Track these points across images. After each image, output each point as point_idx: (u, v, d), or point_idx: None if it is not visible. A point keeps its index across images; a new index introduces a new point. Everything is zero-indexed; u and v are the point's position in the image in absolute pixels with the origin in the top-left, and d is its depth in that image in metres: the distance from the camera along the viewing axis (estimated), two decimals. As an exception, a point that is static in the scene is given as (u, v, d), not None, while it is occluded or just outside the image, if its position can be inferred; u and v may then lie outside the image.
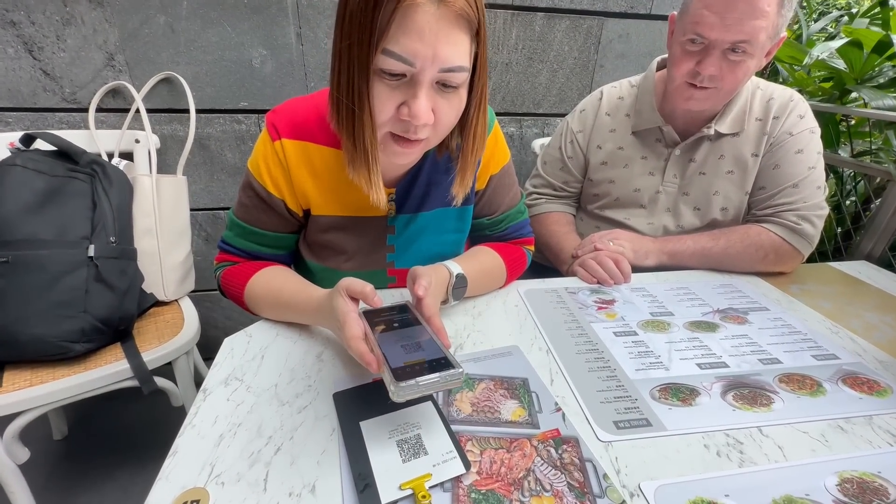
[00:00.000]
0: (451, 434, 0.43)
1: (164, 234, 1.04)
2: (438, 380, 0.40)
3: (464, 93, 0.50)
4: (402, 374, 0.40)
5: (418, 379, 0.39)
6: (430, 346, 0.44)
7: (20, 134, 0.91)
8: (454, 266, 0.61)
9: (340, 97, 0.49)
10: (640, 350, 0.58)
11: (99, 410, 1.31)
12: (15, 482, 0.88)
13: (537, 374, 0.53)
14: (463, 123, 0.54)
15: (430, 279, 0.53)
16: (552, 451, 0.43)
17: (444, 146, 0.60)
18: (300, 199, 0.62)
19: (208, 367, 1.23)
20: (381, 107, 0.47)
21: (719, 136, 0.82)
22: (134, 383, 0.90)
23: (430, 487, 0.38)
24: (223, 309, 1.44)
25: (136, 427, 1.26)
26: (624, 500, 0.38)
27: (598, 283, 0.76)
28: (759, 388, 0.52)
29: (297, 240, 0.70)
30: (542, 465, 0.41)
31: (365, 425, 0.45)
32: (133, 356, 0.90)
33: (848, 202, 1.27)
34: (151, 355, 0.92)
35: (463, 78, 0.48)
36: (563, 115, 1.36)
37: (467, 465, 0.40)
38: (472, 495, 0.38)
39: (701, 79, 0.72)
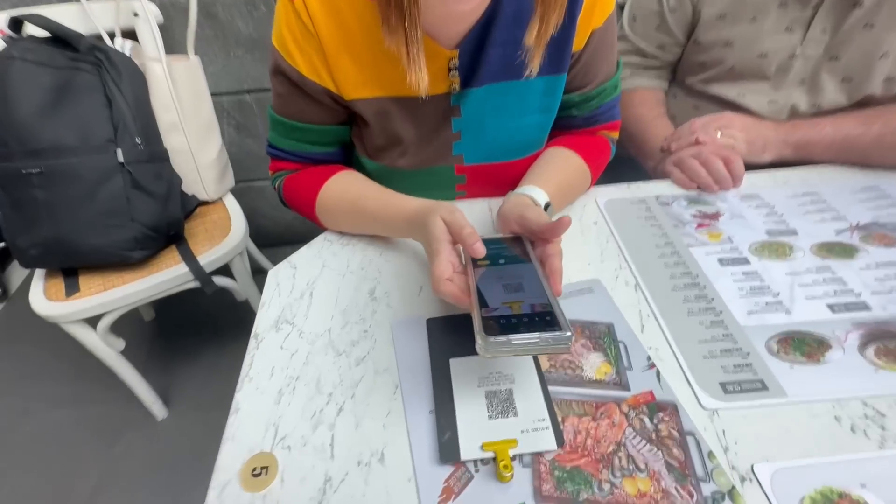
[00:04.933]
0: (548, 398, 0.38)
1: (190, 128, 0.95)
2: (538, 342, 0.32)
3: None
4: (493, 326, 0.33)
5: (512, 336, 0.32)
6: (535, 294, 0.36)
7: (2, 15, 0.78)
8: (539, 193, 0.49)
9: None
10: (752, 285, 0.48)
11: (178, 293, 1.43)
12: (120, 365, 1.00)
13: (624, 317, 0.45)
14: None
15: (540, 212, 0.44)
16: (646, 419, 0.37)
17: None
18: (338, 77, 0.50)
19: (264, 255, 1.27)
20: None
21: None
22: (197, 284, 0.93)
23: (513, 457, 0.35)
24: (267, 199, 1.42)
25: (212, 309, 1.36)
26: (734, 486, 0.33)
27: (699, 188, 0.62)
28: (910, 339, 0.42)
29: (349, 131, 0.59)
30: (634, 437, 0.36)
31: (455, 364, 0.41)
32: (190, 260, 0.91)
33: None
34: (207, 258, 0.92)
35: None
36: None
37: (560, 440, 0.35)
38: (556, 472, 0.34)
39: None
